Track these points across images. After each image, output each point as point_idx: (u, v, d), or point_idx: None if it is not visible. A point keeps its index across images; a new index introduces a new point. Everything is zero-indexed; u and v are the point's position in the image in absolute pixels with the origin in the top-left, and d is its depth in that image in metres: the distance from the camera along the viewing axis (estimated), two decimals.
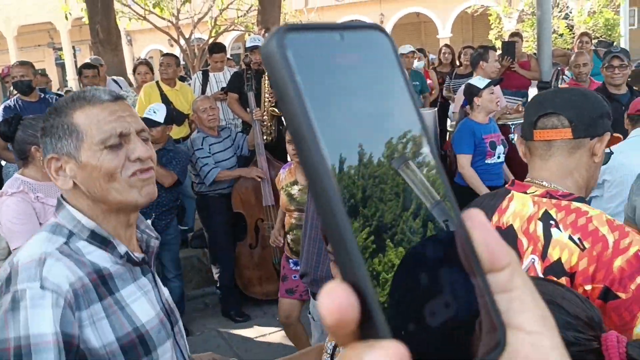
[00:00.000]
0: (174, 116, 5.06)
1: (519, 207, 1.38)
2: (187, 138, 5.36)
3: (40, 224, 2.39)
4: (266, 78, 5.06)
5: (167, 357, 1.22)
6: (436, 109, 4.65)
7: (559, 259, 1.26)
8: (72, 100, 1.20)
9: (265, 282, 4.57)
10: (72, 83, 20.76)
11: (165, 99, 5.16)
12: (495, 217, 1.41)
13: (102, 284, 1.15)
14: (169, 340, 1.24)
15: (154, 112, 3.92)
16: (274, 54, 0.27)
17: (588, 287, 1.22)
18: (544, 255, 1.29)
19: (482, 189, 3.79)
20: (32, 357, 1.02)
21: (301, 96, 0.27)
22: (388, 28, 23.93)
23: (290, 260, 3.41)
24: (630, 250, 1.21)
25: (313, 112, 0.27)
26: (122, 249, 1.21)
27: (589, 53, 6.29)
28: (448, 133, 6.27)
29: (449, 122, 6.86)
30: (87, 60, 5.47)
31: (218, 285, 4.54)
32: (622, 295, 1.19)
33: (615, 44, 14.38)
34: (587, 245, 1.24)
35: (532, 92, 7.24)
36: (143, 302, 1.21)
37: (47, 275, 1.08)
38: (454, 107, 5.64)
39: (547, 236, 1.30)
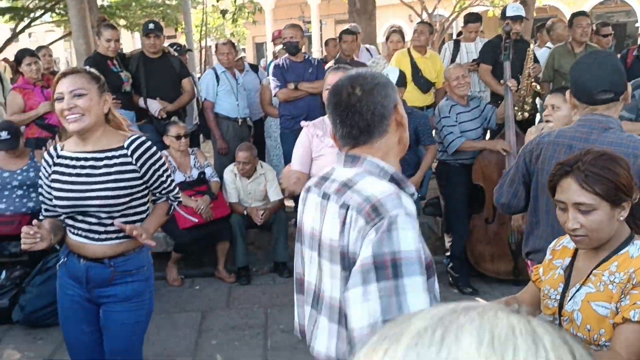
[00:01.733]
0: (405, 79, 5.10)
1: None
2: (430, 106, 5.40)
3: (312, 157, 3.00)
4: (531, 50, 4.81)
5: (436, 287, 1.48)
6: None
7: None
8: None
9: (497, 260, 4.43)
10: (317, 54, 22.36)
11: (414, 66, 5.25)
12: None
13: None
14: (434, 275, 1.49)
15: (387, 75, 4.02)
16: None
17: None
18: None
19: None
20: (402, 268, 1.29)
21: None
22: None
23: None
24: None
25: None
26: (411, 189, 1.48)
27: None
28: None
29: None
30: (347, 27, 5.80)
31: (449, 254, 4.54)
32: None
33: None
34: None
35: None
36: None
37: (406, 205, 1.36)
38: None
39: None
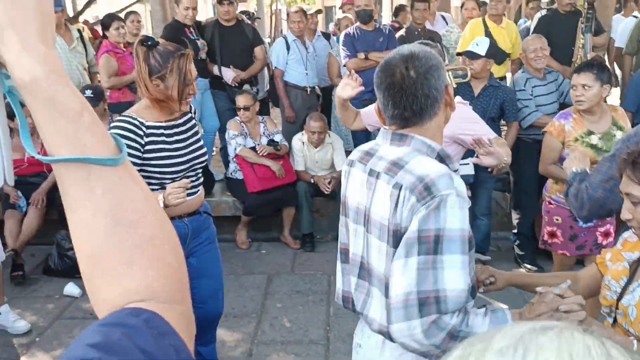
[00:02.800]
0: (497, 51, 4.96)
1: None
2: (503, 79, 5.24)
3: None
4: (584, 20, 4.56)
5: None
6: None
7: None
8: None
9: None
10: (387, 18, 21.89)
11: (489, 36, 5.07)
12: None
13: None
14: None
15: (477, 44, 3.95)
16: None
17: None
18: None
19: None
20: (444, 245, 1.35)
21: None
22: None
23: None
24: None
25: None
26: (455, 166, 1.54)
27: None
28: None
29: None
30: None
31: (515, 231, 4.47)
32: None
33: None
34: None
35: None
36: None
37: (457, 186, 1.39)
38: None
39: None
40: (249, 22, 5.55)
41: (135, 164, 2.36)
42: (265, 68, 5.71)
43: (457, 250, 1.34)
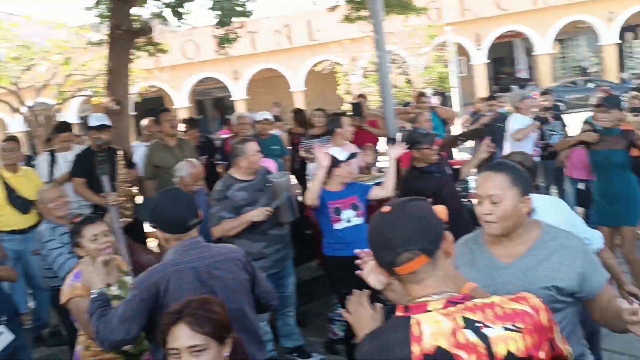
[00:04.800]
0: (21, 200, 4.69)
1: (434, 326, 1.33)
2: (36, 226, 4.97)
3: None
4: (120, 156, 4.81)
5: None
6: (289, 173, 4.78)
7: (509, 352, 1.32)
8: None
9: None
10: None
11: (8, 187, 4.77)
12: (415, 348, 1.33)
13: None
14: None
15: None
16: None
17: (542, 354, 1.34)
18: (491, 356, 1.32)
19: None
20: None
21: None
22: (243, 82, 24.64)
23: None
24: (540, 305, 1.39)
25: None
26: None
27: (428, 111, 7.01)
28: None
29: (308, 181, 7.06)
30: None
31: None
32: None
33: (447, 93, 16.03)
34: (521, 325, 1.34)
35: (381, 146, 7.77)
36: None
37: None
38: (312, 169, 5.77)
39: (484, 338, 1.32)
40: None
41: None
42: None
43: None
